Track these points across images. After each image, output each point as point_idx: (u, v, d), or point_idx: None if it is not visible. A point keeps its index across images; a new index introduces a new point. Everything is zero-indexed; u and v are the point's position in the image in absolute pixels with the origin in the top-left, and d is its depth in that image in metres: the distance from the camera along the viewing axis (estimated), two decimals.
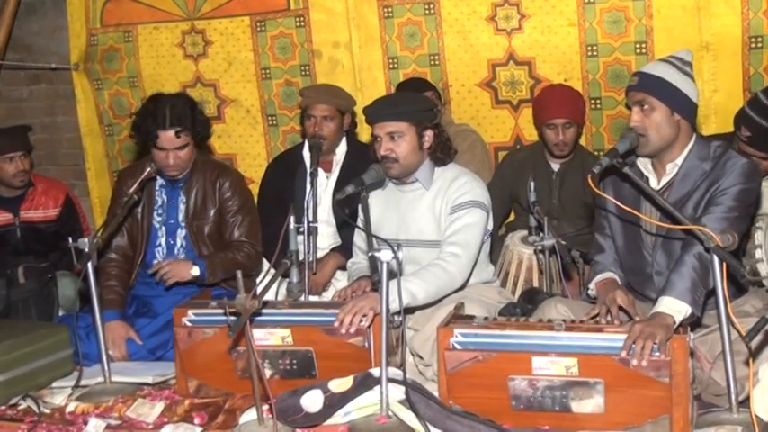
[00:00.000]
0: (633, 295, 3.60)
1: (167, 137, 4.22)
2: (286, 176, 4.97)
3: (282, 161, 5.17)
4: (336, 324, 3.48)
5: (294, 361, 3.55)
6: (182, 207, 4.45)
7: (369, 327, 3.46)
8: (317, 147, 4.66)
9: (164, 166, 4.29)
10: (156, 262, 4.40)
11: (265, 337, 3.55)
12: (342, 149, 4.91)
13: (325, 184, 4.87)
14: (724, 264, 3.04)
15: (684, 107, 3.44)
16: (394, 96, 4.70)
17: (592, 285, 3.71)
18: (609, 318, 3.40)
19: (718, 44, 4.92)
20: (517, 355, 3.17)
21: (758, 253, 3.90)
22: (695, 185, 3.44)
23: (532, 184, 4.31)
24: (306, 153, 4.95)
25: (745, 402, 3.09)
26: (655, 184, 3.54)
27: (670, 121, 3.43)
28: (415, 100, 4.14)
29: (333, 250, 4.80)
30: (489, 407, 3.18)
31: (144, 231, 4.45)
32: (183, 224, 4.45)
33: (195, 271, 4.26)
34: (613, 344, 3.11)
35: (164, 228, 4.47)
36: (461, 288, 3.90)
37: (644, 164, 3.59)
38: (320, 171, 4.87)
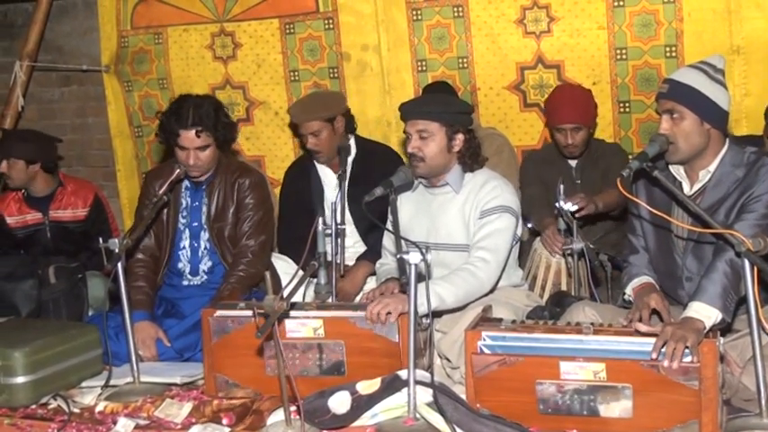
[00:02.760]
0: (666, 299, 3.58)
1: (188, 136, 4.25)
2: (302, 181, 4.99)
3: (297, 166, 5.21)
4: (366, 316, 3.52)
5: (324, 358, 3.57)
6: (204, 209, 4.46)
7: (395, 321, 3.48)
8: (345, 150, 4.67)
9: (185, 166, 4.32)
10: (182, 266, 4.46)
11: (297, 328, 3.57)
12: (351, 154, 4.90)
13: (336, 183, 4.89)
14: (755, 268, 3.02)
15: (715, 116, 3.42)
16: (430, 96, 4.67)
17: (629, 290, 3.69)
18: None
19: (748, 48, 4.90)
20: (545, 359, 3.17)
21: None
22: (728, 192, 3.42)
23: (562, 187, 4.30)
24: None
25: None
26: (687, 189, 3.52)
27: (700, 131, 3.41)
28: (451, 102, 4.15)
29: (361, 258, 4.81)
30: (516, 410, 3.18)
31: (169, 233, 4.47)
32: (205, 226, 4.47)
33: None
34: (642, 348, 3.10)
35: (188, 230, 4.49)
36: (490, 292, 3.90)
37: (676, 169, 3.56)
38: (329, 172, 4.94)
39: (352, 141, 4.95)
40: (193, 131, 4.24)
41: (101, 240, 3.85)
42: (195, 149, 4.27)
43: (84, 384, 3.88)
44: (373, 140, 5.28)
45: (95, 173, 6.78)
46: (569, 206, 4.26)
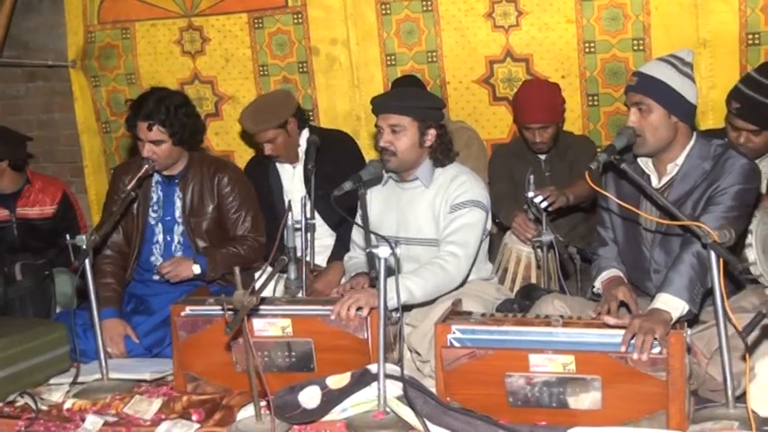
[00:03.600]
0: (634, 290, 3.61)
1: (141, 128, 4.26)
2: (261, 177, 4.97)
3: (255, 163, 5.19)
4: (333, 317, 3.50)
5: (293, 354, 3.55)
6: (178, 203, 4.45)
7: (366, 317, 3.48)
8: (314, 144, 4.66)
9: (142, 158, 4.31)
10: (154, 260, 4.45)
11: (265, 327, 3.55)
12: (304, 141, 4.87)
13: (292, 173, 4.93)
14: (721, 260, 3.05)
15: (682, 110, 3.44)
16: (404, 90, 4.64)
17: (597, 284, 3.71)
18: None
19: (715, 41, 4.92)
20: (514, 352, 3.17)
21: (748, 238, 3.88)
22: (695, 185, 3.45)
23: (532, 177, 4.32)
24: None
25: (741, 398, 3.10)
26: (655, 182, 3.55)
27: (667, 124, 3.43)
28: (424, 97, 4.16)
29: (333, 258, 4.80)
30: (486, 403, 3.19)
31: (139, 228, 4.45)
32: (179, 220, 4.45)
33: (196, 269, 4.30)
34: (611, 340, 3.12)
35: (160, 224, 4.47)
36: (460, 286, 3.90)
37: (644, 162, 3.59)
38: (288, 167, 4.95)
39: (305, 132, 4.91)
40: (146, 124, 4.25)
41: (68, 237, 3.83)
42: (150, 142, 4.27)
43: (51, 382, 3.86)
44: (325, 128, 5.30)
45: (62, 169, 6.72)
46: (539, 199, 4.27)
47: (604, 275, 3.70)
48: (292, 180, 4.91)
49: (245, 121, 4.83)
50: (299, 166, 4.86)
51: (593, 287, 3.76)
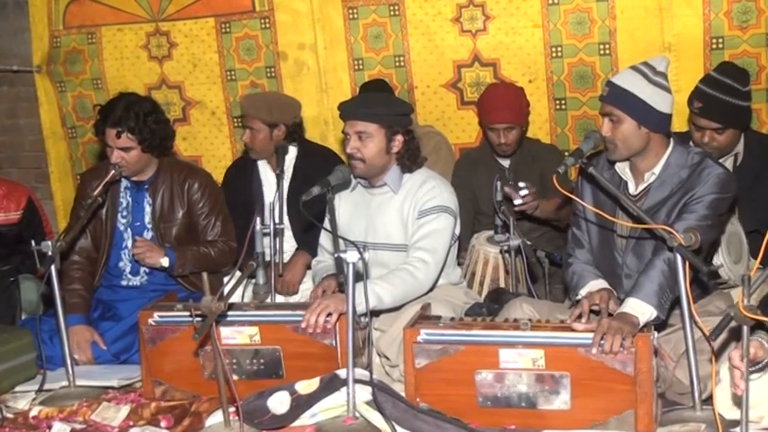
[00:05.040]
0: None
1: (110, 134, 4.23)
2: (243, 180, 4.96)
3: (239, 164, 5.16)
4: (303, 325, 3.50)
5: (262, 361, 3.55)
6: (147, 209, 4.42)
7: (334, 325, 3.49)
8: (282, 149, 4.65)
9: (111, 164, 4.28)
10: (123, 265, 4.43)
11: (233, 335, 3.55)
12: (291, 154, 4.87)
13: (274, 183, 4.87)
14: (687, 263, 3.07)
15: (652, 121, 3.44)
16: (370, 96, 4.64)
17: (584, 292, 3.58)
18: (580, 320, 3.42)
19: (679, 45, 4.97)
20: (484, 348, 3.20)
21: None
22: (671, 192, 3.47)
23: (499, 183, 4.33)
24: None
25: (708, 400, 3.12)
26: (633, 189, 3.56)
27: (638, 134, 3.44)
28: (391, 103, 4.14)
29: (299, 249, 4.79)
30: (456, 404, 3.21)
31: (108, 233, 4.41)
32: (149, 226, 4.42)
33: (165, 262, 4.26)
34: (579, 342, 3.15)
35: (129, 230, 4.43)
36: (428, 291, 3.91)
37: (622, 169, 3.60)
38: (270, 173, 4.91)
39: (293, 149, 4.88)
40: (115, 131, 4.22)
41: (33, 243, 3.79)
42: (118, 149, 4.24)
43: (17, 389, 3.84)
44: (314, 142, 5.25)
45: (27, 174, 6.66)
46: (524, 193, 4.28)
47: (593, 287, 3.59)
48: (274, 189, 4.85)
49: (245, 99, 4.95)
50: (285, 180, 4.84)
51: (577, 295, 3.62)
